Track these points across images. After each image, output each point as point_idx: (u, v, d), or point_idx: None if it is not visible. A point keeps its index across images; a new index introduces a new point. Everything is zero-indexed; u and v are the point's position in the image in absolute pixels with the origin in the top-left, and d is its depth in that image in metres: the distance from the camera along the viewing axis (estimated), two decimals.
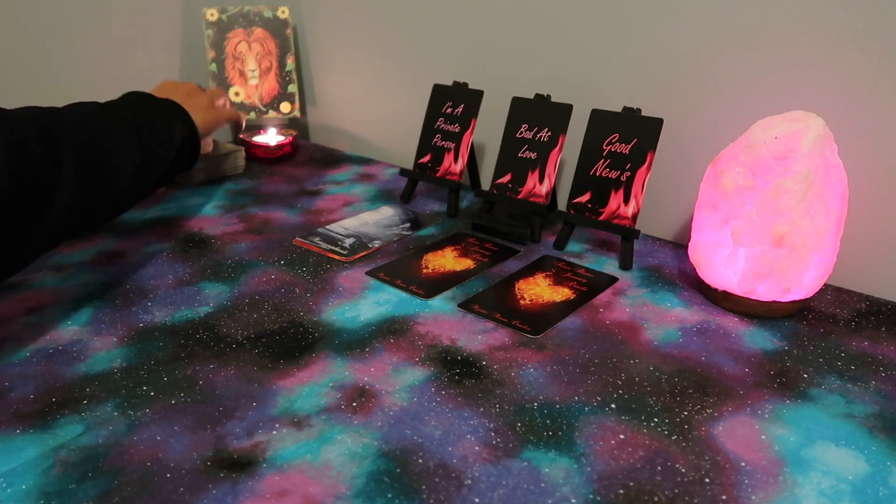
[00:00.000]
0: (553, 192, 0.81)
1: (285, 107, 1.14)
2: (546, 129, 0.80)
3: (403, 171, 0.93)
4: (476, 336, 0.60)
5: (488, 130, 0.94)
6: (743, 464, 0.45)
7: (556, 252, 0.78)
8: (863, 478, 0.44)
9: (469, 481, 0.43)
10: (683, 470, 0.45)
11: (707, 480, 0.44)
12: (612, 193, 0.75)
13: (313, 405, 0.50)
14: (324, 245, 0.78)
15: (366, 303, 0.65)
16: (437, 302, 0.66)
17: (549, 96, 0.81)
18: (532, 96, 0.82)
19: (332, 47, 1.17)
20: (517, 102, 0.83)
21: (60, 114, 0.59)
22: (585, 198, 0.77)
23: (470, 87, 0.89)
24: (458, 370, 0.55)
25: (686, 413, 0.50)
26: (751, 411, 0.51)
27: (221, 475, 0.43)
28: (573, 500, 0.42)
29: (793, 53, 0.69)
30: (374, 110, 1.15)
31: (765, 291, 0.62)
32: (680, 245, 0.80)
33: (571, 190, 0.78)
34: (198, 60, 1.15)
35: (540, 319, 0.63)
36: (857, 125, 0.67)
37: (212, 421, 0.48)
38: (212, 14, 1.09)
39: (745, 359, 0.58)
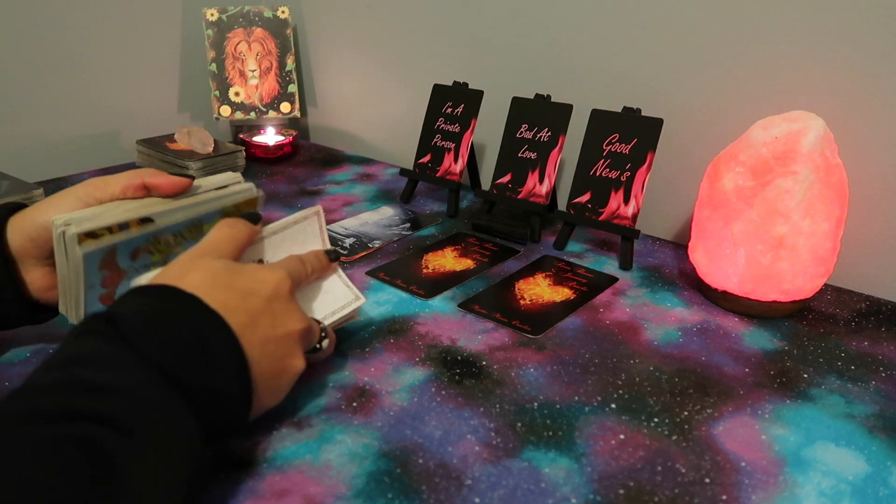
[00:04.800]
0: (553, 192, 0.81)
1: (285, 107, 1.14)
2: (546, 129, 0.80)
3: (403, 171, 0.93)
4: (476, 336, 0.60)
5: (488, 130, 0.94)
6: (743, 464, 0.45)
7: (556, 252, 0.78)
8: (863, 478, 0.44)
9: (469, 481, 0.43)
10: (683, 470, 0.45)
11: (707, 480, 0.44)
12: (612, 193, 0.75)
13: (313, 405, 0.50)
14: None
15: (366, 303, 0.65)
16: (437, 302, 0.66)
17: (549, 96, 0.81)
18: (532, 96, 0.82)
19: (332, 47, 1.17)
20: (517, 102, 0.83)
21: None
22: (585, 198, 0.77)
23: (470, 87, 0.89)
24: (458, 370, 0.55)
25: (686, 413, 0.50)
26: (751, 411, 0.51)
27: (221, 475, 0.43)
28: (573, 500, 0.42)
29: (793, 53, 0.69)
30: (374, 110, 1.15)
31: (765, 291, 0.62)
32: (680, 245, 0.80)
33: (571, 190, 0.78)
34: (198, 60, 1.15)
35: (540, 319, 0.63)
36: (857, 125, 0.67)
37: None
38: (212, 14, 1.09)
39: (745, 359, 0.58)
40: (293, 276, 0.48)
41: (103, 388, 0.34)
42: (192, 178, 0.55)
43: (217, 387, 0.39)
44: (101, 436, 0.32)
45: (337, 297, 0.55)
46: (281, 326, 0.44)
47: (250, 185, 0.59)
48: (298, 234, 0.55)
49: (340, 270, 0.57)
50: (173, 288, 0.40)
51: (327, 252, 0.55)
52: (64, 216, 0.48)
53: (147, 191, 0.53)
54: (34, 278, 0.51)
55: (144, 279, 0.44)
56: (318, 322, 0.51)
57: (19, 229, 0.50)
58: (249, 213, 0.51)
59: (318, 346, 0.50)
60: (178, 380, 0.37)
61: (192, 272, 0.42)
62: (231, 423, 0.41)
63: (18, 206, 0.52)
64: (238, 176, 0.59)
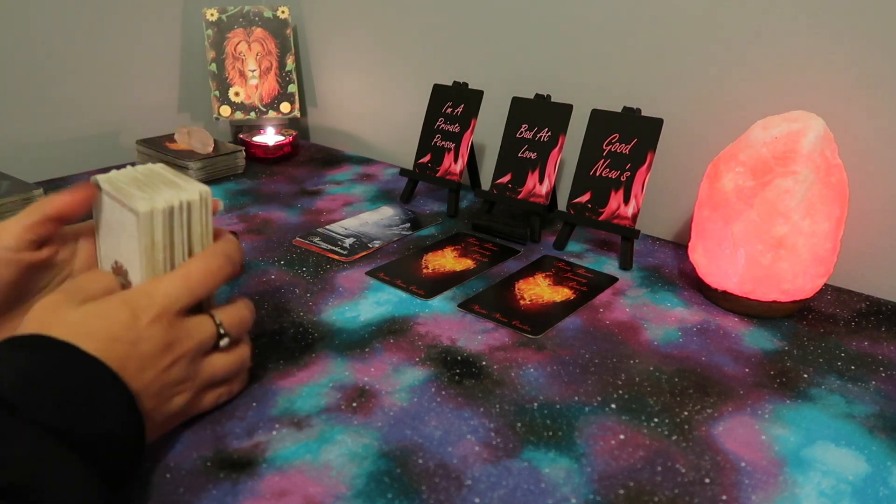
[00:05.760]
0: (553, 192, 0.81)
1: (285, 107, 1.14)
2: (546, 129, 0.80)
3: (403, 171, 0.93)
4: (476, 336, 0.60)
5: (488, 130, 0.94)
6: (743, 464, 0.45)
7: (556, 252, 0.78)
8: (863, 478, 0.44)
9: (469, 481, 0.43)
10: (683, 470, 0.45)
11: (707, 480, 0.44)
12: (612, 193, 0.75)
13: (313, 405, 0.50)
14: (324, 245, 0.78)
15: (366, 303, 0.65)
16: (437, 302, 0.66)
17: (549, 96, 0.81)
18: (532, 96, 0.82)
19: (333, 47, 1.17)
20: (517, 102, 0.83)
21: None
22: (585, 198, 0.77)
23: (470, 87, 0.89)
24: (458, 370, 0.55)
25: (686, 413, 0.50)
26: (751, 411, 0.51)
27: (221, 475, 0.43)
28: (573, 501, 0.42)
29: (793, 53, 0.69)
30: (374, 110, 1.15)
31: (765, 291, 0.62)
32: (680, 245, 0.80)
33: (571, 190, 0.78)
34: (198, 60, 1.15)
35: (540, 319, 0.63)
36: (857, 125, 0.67)
37: (212, 421, 0.48)
38: (212, 14, 1.09)
39: (745, 359, 0.58)
40: (173, 304, 0.43)
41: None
42: (95, 184, 0.45)
43: (107, 433, 0.37)
44: None
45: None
46: (153, 367, 0.41)
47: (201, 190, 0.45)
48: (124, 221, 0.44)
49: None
50: (43, 337, 0.38)
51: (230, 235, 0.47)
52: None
53: (56, 223, 0.45)
54: None
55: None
56: (212, 316, 0.45)
57: None
58: None
59: (220, 343, 0.46)
60: (68, 435, 0.35)
61: (57, 321, 0.40)
62: (128, 466, 0.39)
63: None
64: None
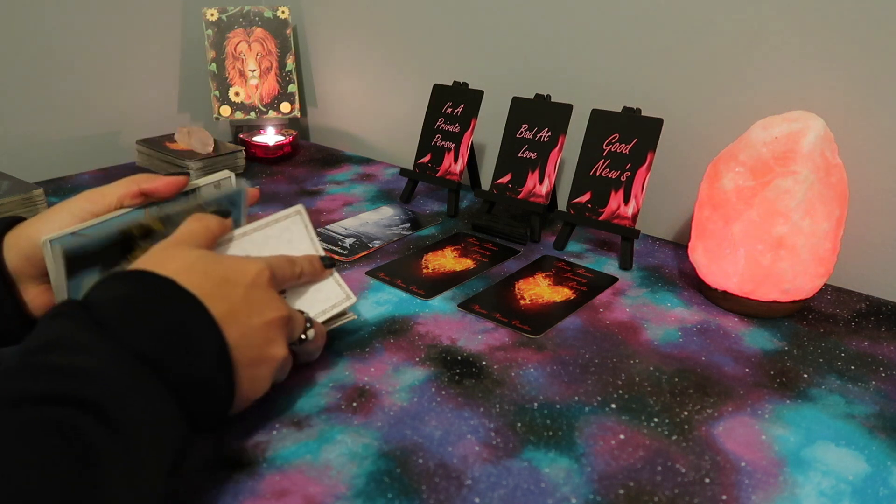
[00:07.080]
0: (553, 192, 0.81)
1: (285, 107, 1.14)
2: (546, 129, 0.80)
3: (403, 171, 0.93)
4: (476, 336, 0.60)
5: (488, 130, 0.94)
6: (743, 464, 0.45)
7: (556, 252, 0.78)
8: (863, 478, 0.44)
9: (469, 481, 0.43)
10: (683, 470, 0.45)
11: (707, 480, 0.44)
12: (612, 193, 0.75)
13: (313, 405, 0.50)
14: (324, 245, 0.78)
15: (366, 303, 0.65)
16: (437, 302, 0.66)
17: (549, 96, 0.81)
18: (532, 96, 0.82)
19: (332, 47, 1.17)
20: (517, 102, 0.83)
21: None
22: (585, 198, 0.77)
23: (470, 87, 0.89)
24: (458, 370, 0.55)
25: (686, 413, 0.50)
26: (751, 411, 0.51)
27: (221, 475, 0.43)
28: (573, 500, 0.42)
29: (793, 53, 0.69)
30: (374, 110, 1.15)
31: (765, 291, 0.62)
32: (680, 245, 0.80)
33: (571, 190, 0.78)
34: (198, 60, 1.15)
35: (540, 319, 0.63)
36: (857, 125, 0.67)
37: None
38: (212, 14, 1.09)
39: (745, 359, 0.58)
40: (274, 270, 0.47)
41: (81, 374, 0.33)
42: (188, 174, 0.53)
43: (197, 372, 0.38)
44: (81, 422, 0.31)
45: (327, 296, 0.54)
46: (259, 315, 0.43)
47: (240, 183, 0.57)
48: (283, 233, 0.55)
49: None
50: (147, 272, 0.40)
51: (322, 258, 0.54)
52: (52, 234, 0.46)
53: (145, 197, 0.50)
54: (33, 296, 0.49)
55: None
56: (302, 312, 0.49)
57: (15, 247, 0.47)
58: (219, 210, 0.50)
59: (303, 336, 0.48)
60: (157, 364, 0.36)
61: (168, 260, 0.42)
62: (215, 413, 0.40)
63: (15, 221, 0.49)
64: (228, 173, 0.57)
